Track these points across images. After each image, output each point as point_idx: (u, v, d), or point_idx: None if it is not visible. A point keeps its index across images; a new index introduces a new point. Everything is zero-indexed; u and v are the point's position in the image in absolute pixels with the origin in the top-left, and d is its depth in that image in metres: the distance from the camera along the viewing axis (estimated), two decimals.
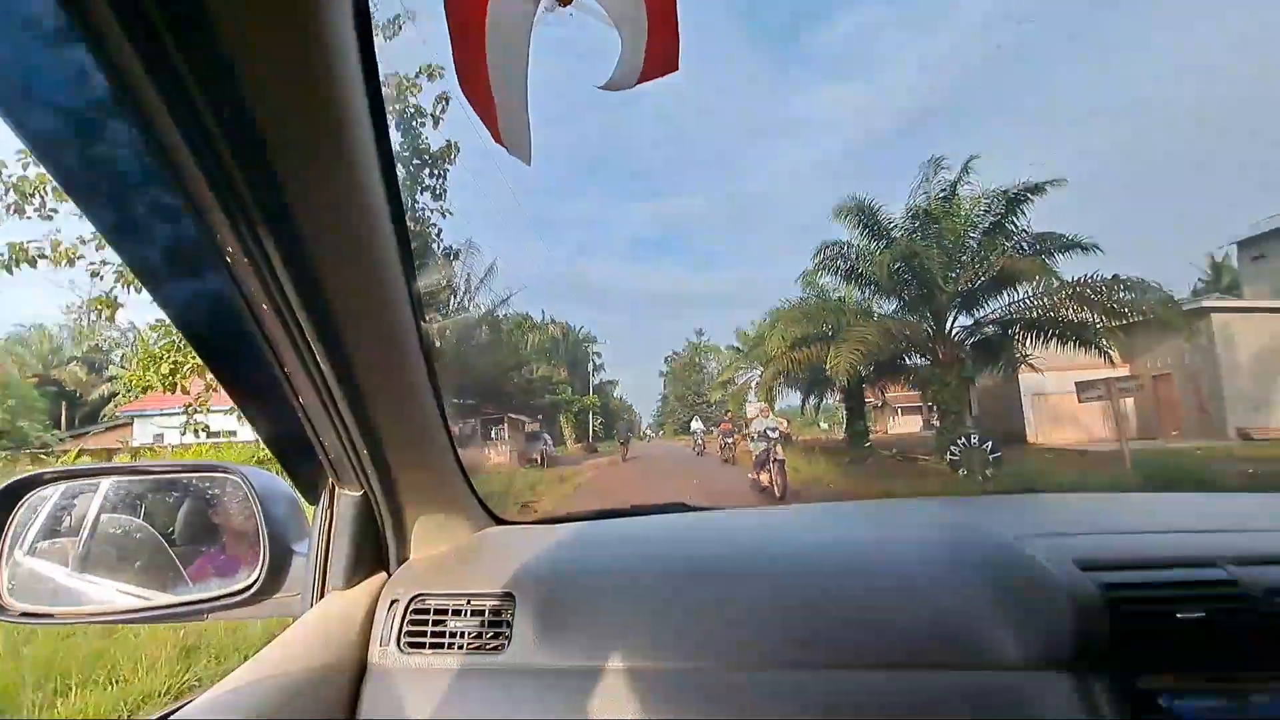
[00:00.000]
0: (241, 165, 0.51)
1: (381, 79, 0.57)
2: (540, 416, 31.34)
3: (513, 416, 21.77)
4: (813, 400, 22.19)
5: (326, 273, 0.63)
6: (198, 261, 0.60)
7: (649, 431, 69.08)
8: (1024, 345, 13.03)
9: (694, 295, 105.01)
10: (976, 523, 1.00)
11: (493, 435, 21.50)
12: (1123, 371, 17.44)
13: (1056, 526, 0.92)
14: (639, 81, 0.77)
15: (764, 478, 9.87)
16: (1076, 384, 12.10)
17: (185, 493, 1.07)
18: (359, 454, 0.82)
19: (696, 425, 25.25)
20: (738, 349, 40.34)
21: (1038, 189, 11.81)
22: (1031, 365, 13.71)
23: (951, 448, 7.82)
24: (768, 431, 9.88)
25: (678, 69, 0.75)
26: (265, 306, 0.61)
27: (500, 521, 1.24)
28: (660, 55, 0.74)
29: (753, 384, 40.78)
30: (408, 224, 0.90)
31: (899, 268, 12.45)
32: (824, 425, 37.58)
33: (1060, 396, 17.67)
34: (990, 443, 7.36)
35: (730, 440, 18.02)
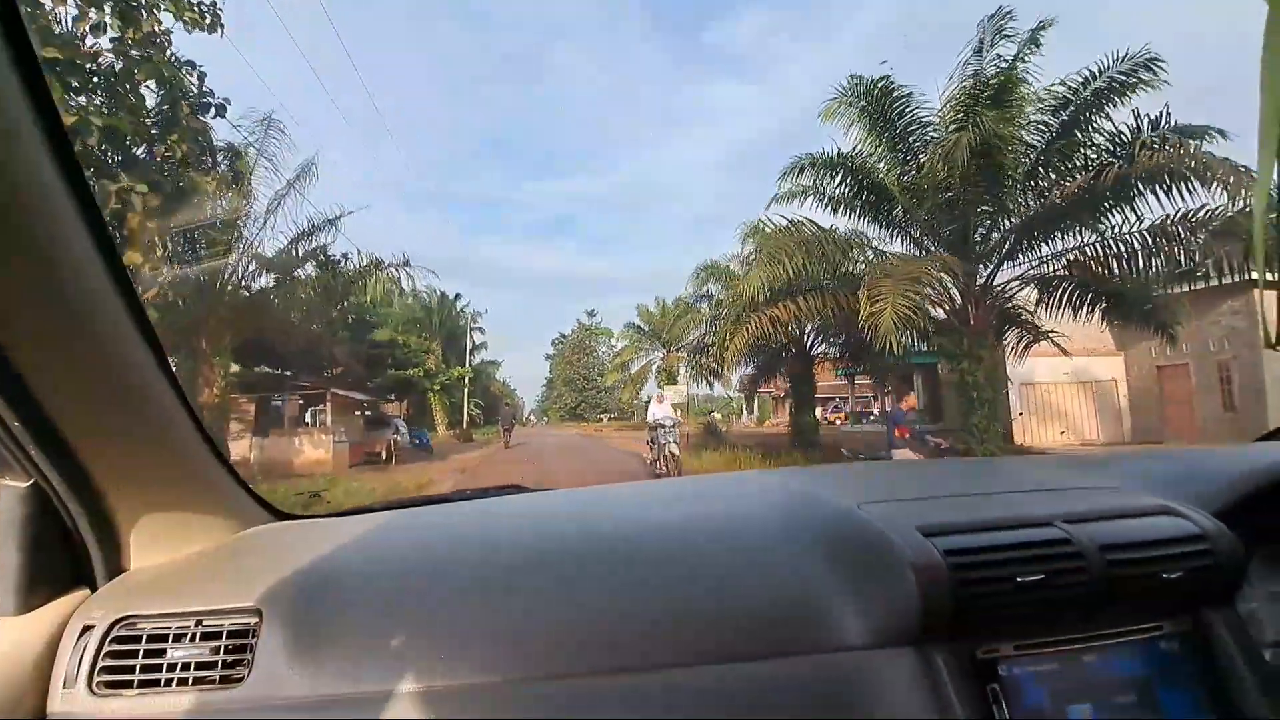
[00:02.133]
0: None
1: None
2: (394, 395, 24.70)
3: (341, 394, 15.24)
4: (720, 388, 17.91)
5: None
6: None
7: (532, 417, 64.96)
8: (1064, 310, 9.27)
9: (584, 277, 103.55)
10: (816, 491, 0.94)
11: (308, 419, 14.98)
12: (1116, 361, 14.66)
13: (897, 492, 0.90)
14: None
15: None
16: None
17: None
18: (9, 431, 0.63)
19: (660, 410, 10.37)
20: (639, 328, 35.50)
21: (1152, 66, 7.77)
22: (1058, 345, 10.03)
23: None
24: None
25: None
26: None
27: (281, 516, 1.03)
28: None
29: (654, 367, 36.71)
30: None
31: (946, 179, 8.01)
32: (718, 415, 33.92)
33: (1049, 386, 14.51)
34: None
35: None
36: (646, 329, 35.07)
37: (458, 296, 37.55)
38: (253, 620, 0.71)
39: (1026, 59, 8.32)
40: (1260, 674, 0.71)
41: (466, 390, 31.39)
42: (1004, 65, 8.30)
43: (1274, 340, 0.38)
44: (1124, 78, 7.86)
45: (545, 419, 60.84)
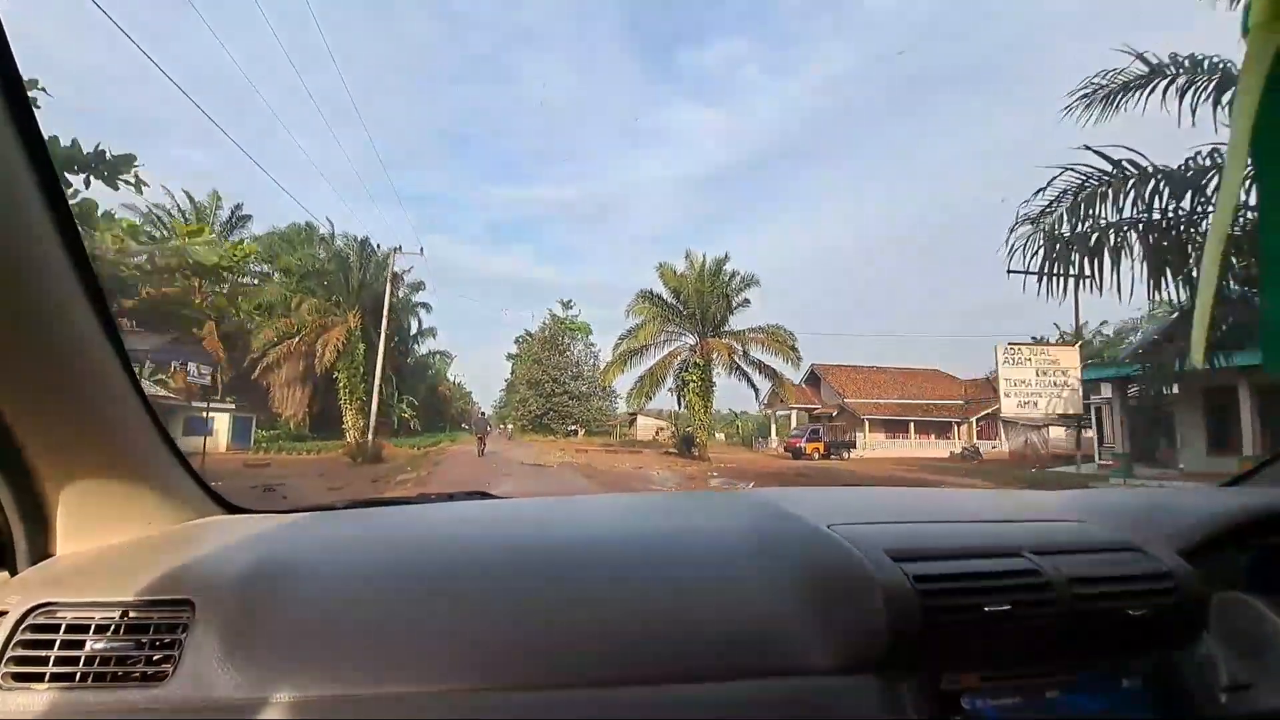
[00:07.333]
0: None
1: None
2: (212, 366, 12.66)
3: None
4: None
5: None
6: None
7: (488, 426, 52.82)
8: None
9: (542, 284, 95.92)
10: (785, 510, 0.92)
11: None
12: None
13: (867, 514, 0.87)
14: None
15: None
16: None
17: None
18: None
19: None
20: (658, 300, 23.72)
21: None
22: None
23: None
24: None
25: None
26: None
27: (233, 511, 0.99)
28: None
29: (679, 355, 25.11)
30: None
31: None
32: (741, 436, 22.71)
33: None
34: None
35: None
36: (675, 300, 23.40)
37: (397, 249, 24.37)
38: (184, 613, 0.66)
39: None
40: (1217, 718, 0.71)
41: (378, 370, 18.95)
42: None
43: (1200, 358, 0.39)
44: None
45: (505, 427, 48.40)
